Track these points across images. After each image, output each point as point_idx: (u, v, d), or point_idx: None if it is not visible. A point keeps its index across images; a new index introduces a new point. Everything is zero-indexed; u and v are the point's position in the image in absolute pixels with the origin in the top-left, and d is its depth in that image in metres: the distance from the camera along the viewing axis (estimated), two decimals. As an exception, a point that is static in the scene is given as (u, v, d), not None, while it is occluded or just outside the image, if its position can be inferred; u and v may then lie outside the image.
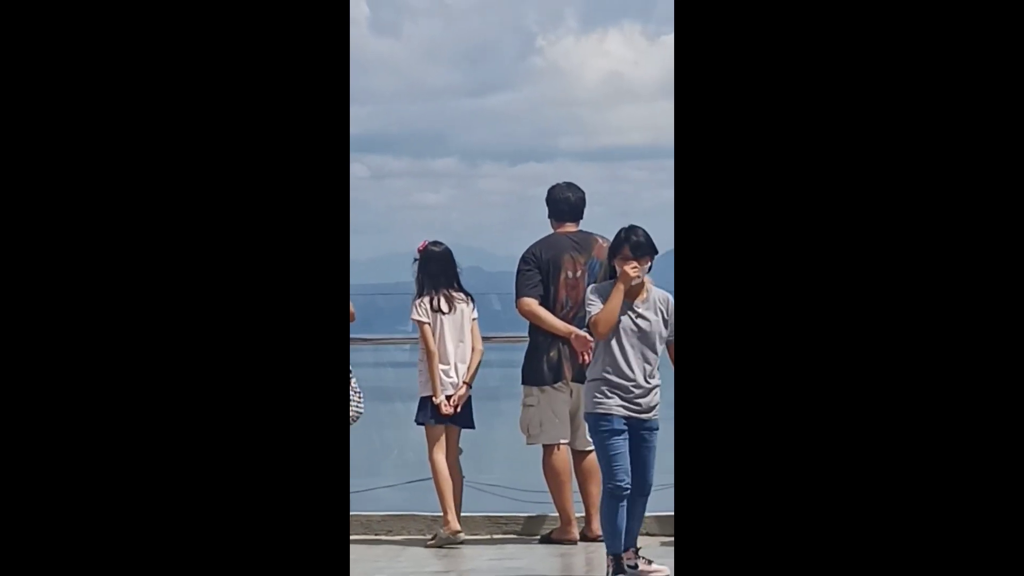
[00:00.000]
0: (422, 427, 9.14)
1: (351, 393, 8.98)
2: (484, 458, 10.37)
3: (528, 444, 8.95)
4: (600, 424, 7.26)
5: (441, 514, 9.09)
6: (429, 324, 9.06)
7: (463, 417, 9.13)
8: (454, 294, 9.14)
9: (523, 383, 8.93)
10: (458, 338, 9.13)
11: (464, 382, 9.13)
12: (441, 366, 9.04)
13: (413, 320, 9.12)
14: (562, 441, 8.81)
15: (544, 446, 8.88)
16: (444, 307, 9.09)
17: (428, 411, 9.07)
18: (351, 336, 9.25)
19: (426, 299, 9.09)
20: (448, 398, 9.04)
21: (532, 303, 8.71)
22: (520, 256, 8.92)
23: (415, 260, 9.21)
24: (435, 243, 9.22)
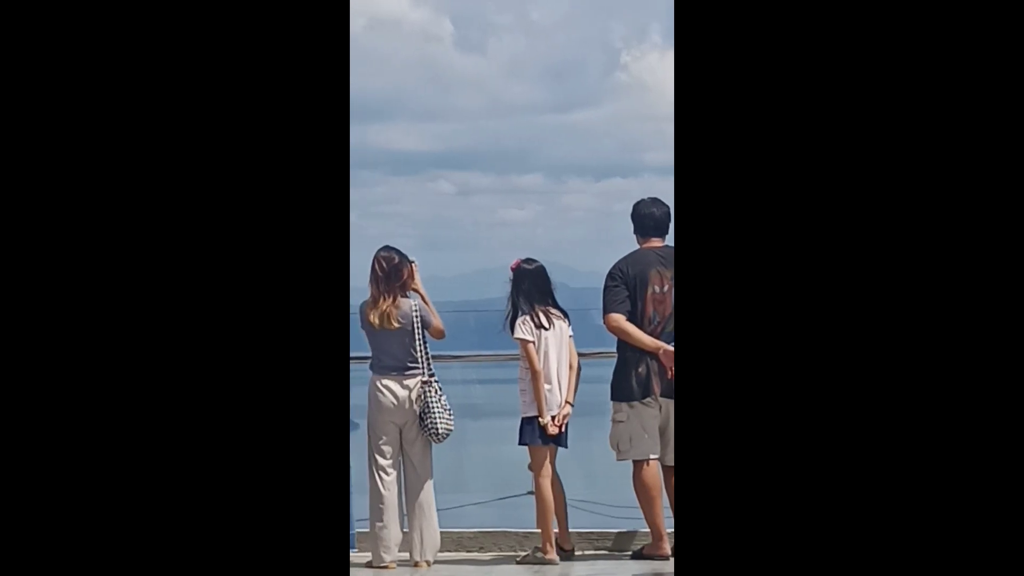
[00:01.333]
0: (523, 447, 9.13)
1: (441, 410, 9.00)
2: (574, 474, 10.36)
3: (618, 460, 8.93)
4: None
5: (536, 531, 9.10)
6: (534, 342, 9.06)
7: (561, 436, 9.12)
8: (551, 311, 9.14)
9: (612, 399, 8.93)
10: (559, 356, 9.14)
11: (567, 401, 9.14)
12: (544, 385, 9.04)
13: (517, 339, 9.07)
14: (652, 456, 8.80)
15: (634, 461, 8.87)
16: (546, 324, 9.08)
17: (535, 432, 9.05)
18: (440, 353, 9.29)
19: (528, 317, 9.09)
20: (552, 418, 9.04)
21: (620, 319, 8.72)
22: (607, 272, 8.92)
23: (509, 279, 9.19)
24: (528, 260, 9.21)
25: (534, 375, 9.00)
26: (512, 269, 9.17)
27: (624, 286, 8.73)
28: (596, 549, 9.25)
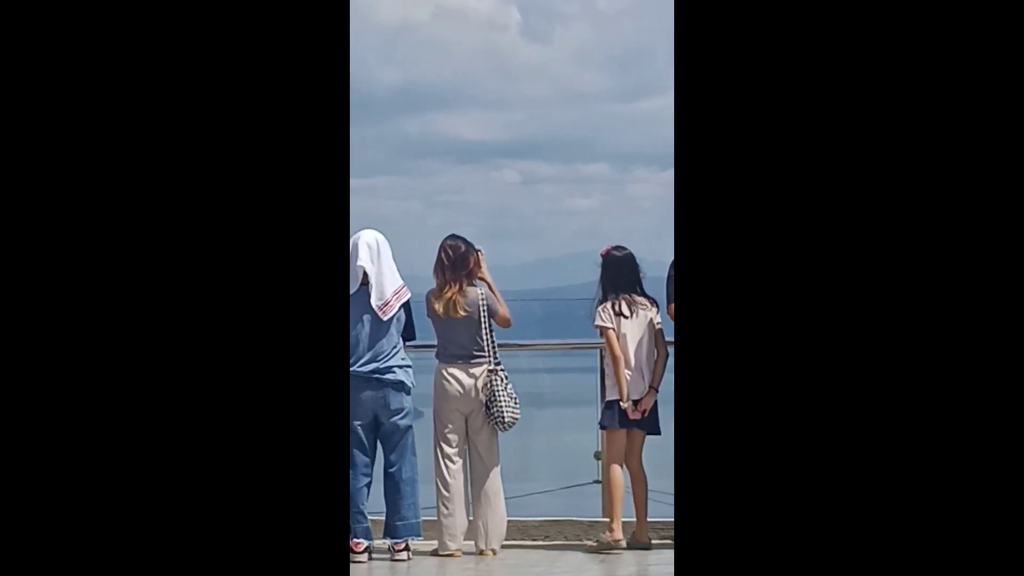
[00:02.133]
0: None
1: (507, 399, 9.01)
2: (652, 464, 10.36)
3: None
4: None
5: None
6: (613, 329, 9.08)
7: (649, 422, 9.13)
8: (637, 299, 9.15)
9: None
10: (640, 343, 9.15)
11: (651, 387, 9.15)
12: (625, 371, 9.06)
13: (596, 326, 9.12)
14: None
15: None
16: (626, 311, 9.10)
17: (614, 415, 9.09)
18: (506, 342, 9.29)
19: (608, 304, 9.11)
20: (636, 403, 9.06)
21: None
22: (671, 262, 8.89)
23: (598, 264, 9.23)
24: (617, 248, 9.24)
25: (614, 360, 9.03)
26: (601, 256, 9.20)
27: None
28: (662, 539, 9.22)
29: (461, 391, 9.03)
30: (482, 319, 9.08)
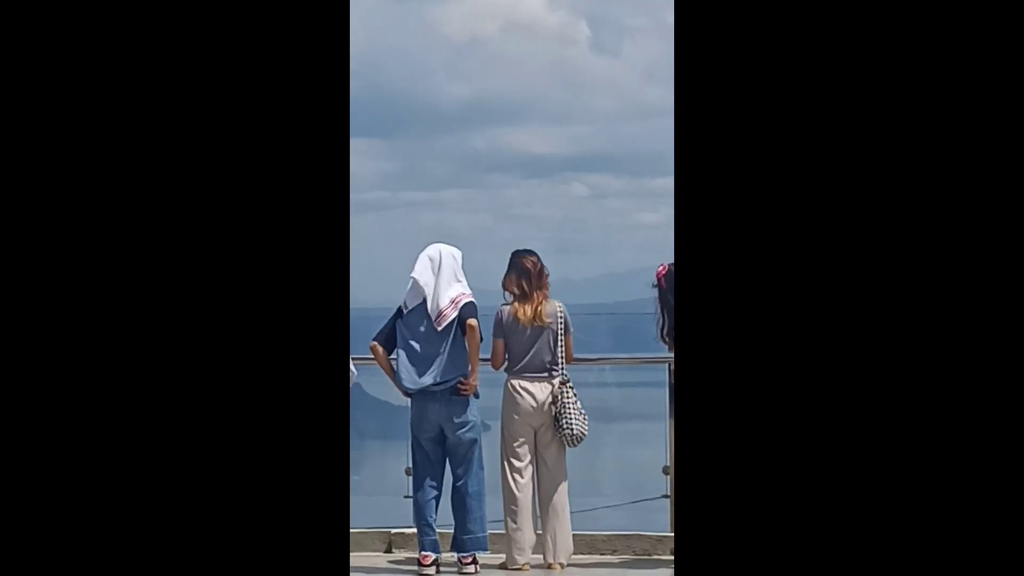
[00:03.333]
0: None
1: (577, 413, 9.00)
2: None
3: None
4: None
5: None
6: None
7: None
8: None
9: None
10: None
11: None
12: None
13: (661, 342, 9.07)
14: None
15: None
16: None
17: None
18: (578, 356, 9.27)
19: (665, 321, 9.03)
20: None
21: None
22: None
23: (654, 285, 9.14)
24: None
25: None
26: (659, 276, 9.09)
27: None
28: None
29: (533, 404, 9.02)
30: (559, 332, 9.08)
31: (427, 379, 8.84)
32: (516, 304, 9.05)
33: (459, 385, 8.87)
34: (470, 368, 8.90)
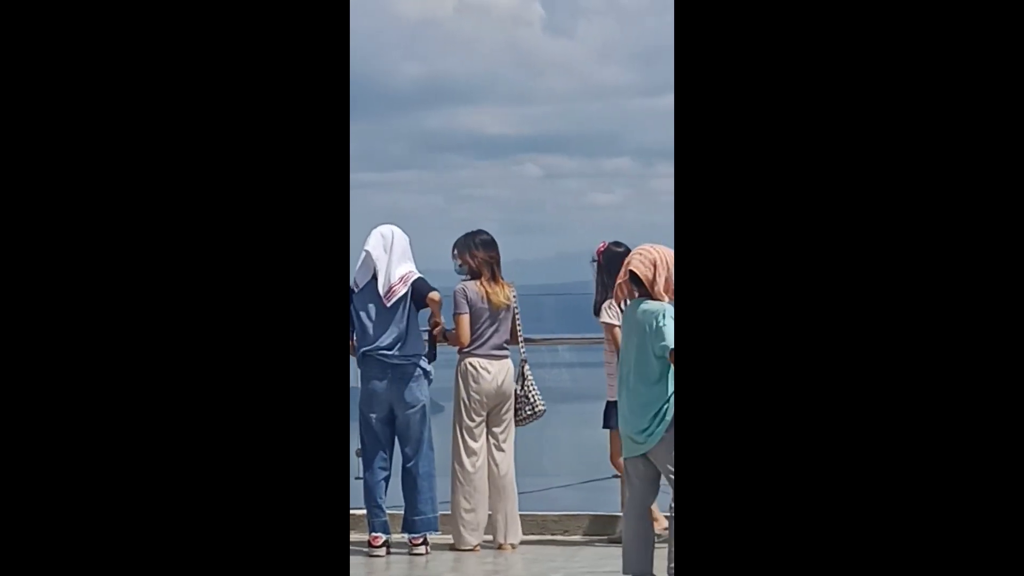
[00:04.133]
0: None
1: (536, 392, 9.01)
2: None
3: None
4: None
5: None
6: (619, 326, 9.01)
7: None
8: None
9: None
10: None
11: None
12: None
13: (603, 323, 9.05)
14: None
15: None
16: None
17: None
18: (526, 337, 9.26)
19: (615, 301, 9.04)
20: None
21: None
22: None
23: (593, 260, 9.16)
24: (616, 243, 9.16)
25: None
26: (598, 253, 9.13)
27: None
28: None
29: (490, 384, 9.00)
30: (516, 313, 9.09)
31: (371, 348, 8.80)
32: (484, 284, 9.03)
33: (432, 332, 8.89)
34: (441, 333, 8.92)
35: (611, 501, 9.42)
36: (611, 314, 8.94)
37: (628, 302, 7.41)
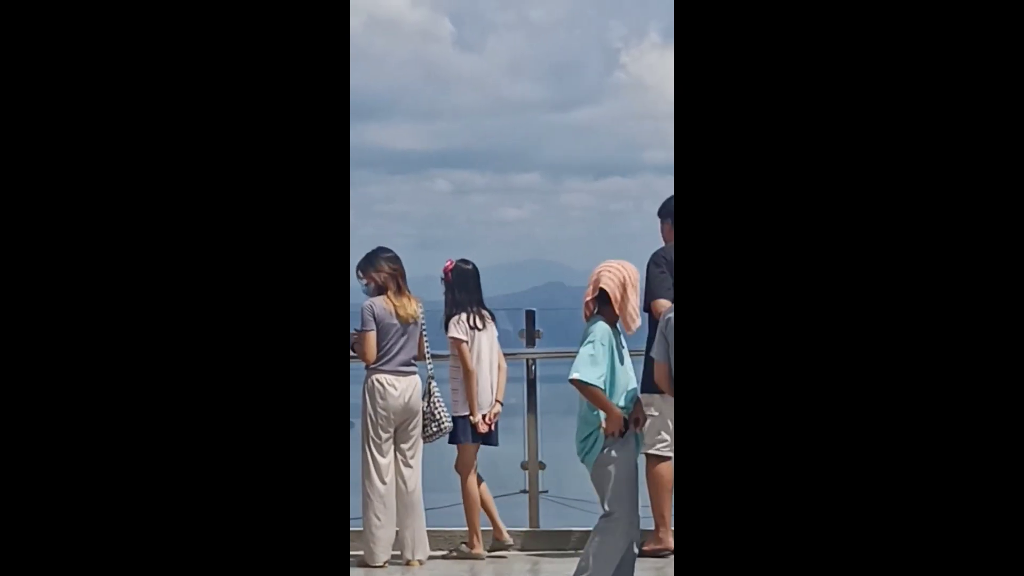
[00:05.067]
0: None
1: (443, 408, 9.05)
2: (568, 473, 10.34)
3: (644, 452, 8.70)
4: None
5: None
6: (467, 342, 9.06)
7: (493, 435, 9.20)
8: (484, 312, 9.17)
9: (643, 391, 8.59)
10: (490, 356, 9.16)
11: (497, 400, 9.17)
12: (475, 385, 9.08)
13: (451, 338, 9.12)
14: (670, 454, 8.70)
15: (650, 455, 8.77)
16: (479, 324, 9.13)
17: (467, 430, 9.10)
18: (432, 352, 9.28)
19: (463, 316, 9.09)
20: (483, 416, 9.07)
21: (669, 305, 8.23)
22: (651, 260, 8.77)
23: (442, 279, 9.25)
24: (464, 261, 9.27)
25: (467, 375, 9.04)
26: (447, 271, 9.21)
27: (669, 273, 8.51)
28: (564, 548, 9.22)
29: (397, 400, 9.01)
30: (423, 329, 9.14)
31: None
32: (391, 299, 9.05)
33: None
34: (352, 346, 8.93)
35: (519, 516, 9.44)
36: (459, 330, 9.03)
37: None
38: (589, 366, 6.87)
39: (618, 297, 7.00)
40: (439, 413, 9.08)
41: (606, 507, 6.98)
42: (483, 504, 9.19)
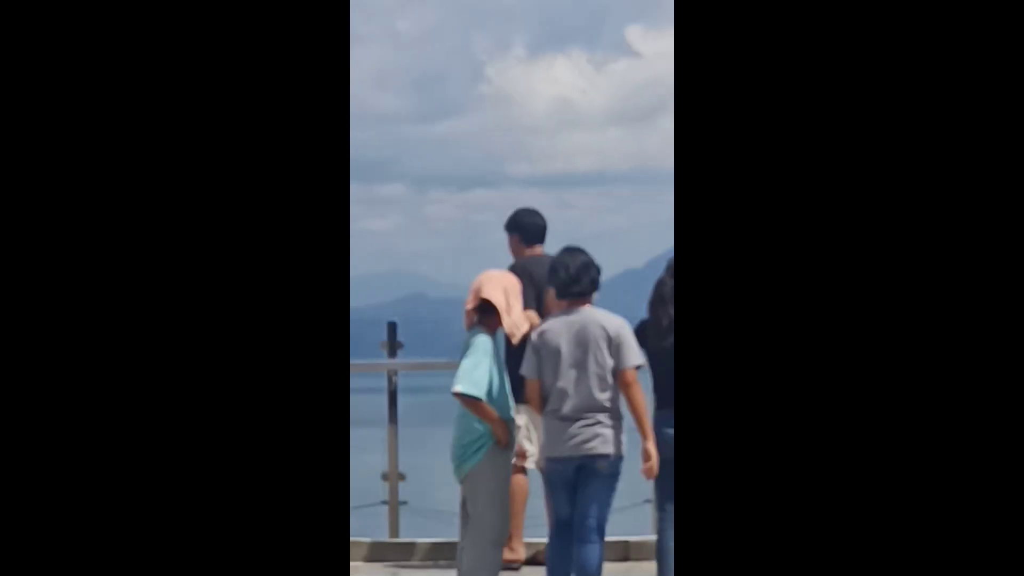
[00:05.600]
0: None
1: None
2: (428, 484, 10.38)
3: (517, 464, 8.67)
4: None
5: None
6: None
7: None
8: None
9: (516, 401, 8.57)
10: None
11: None
12: None
13: None
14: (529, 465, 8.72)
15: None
16: None
17: None
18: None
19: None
20: None
21: (535, 317, 8.21)
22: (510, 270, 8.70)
23: None
24: None
25: None
26: None
27: (532, 286, 8.44)
28: (448, 559, 9.25)
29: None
30: None
31: None
32: None
33: None
34: None
35: (379, 527, 9.46)
36: None
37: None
38: (471, 378, 6.91)
39: (503, 304, 7.07)
40: None
41: (479, 512, 7.01)
42: None
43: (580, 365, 6.94)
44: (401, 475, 9.76)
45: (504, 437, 6.95)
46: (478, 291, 7.13)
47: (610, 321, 7.00)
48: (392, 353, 9.83)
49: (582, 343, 6.96)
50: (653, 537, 7.76)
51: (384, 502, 9.67)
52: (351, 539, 9.44)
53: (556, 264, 7.15)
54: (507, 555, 8.83)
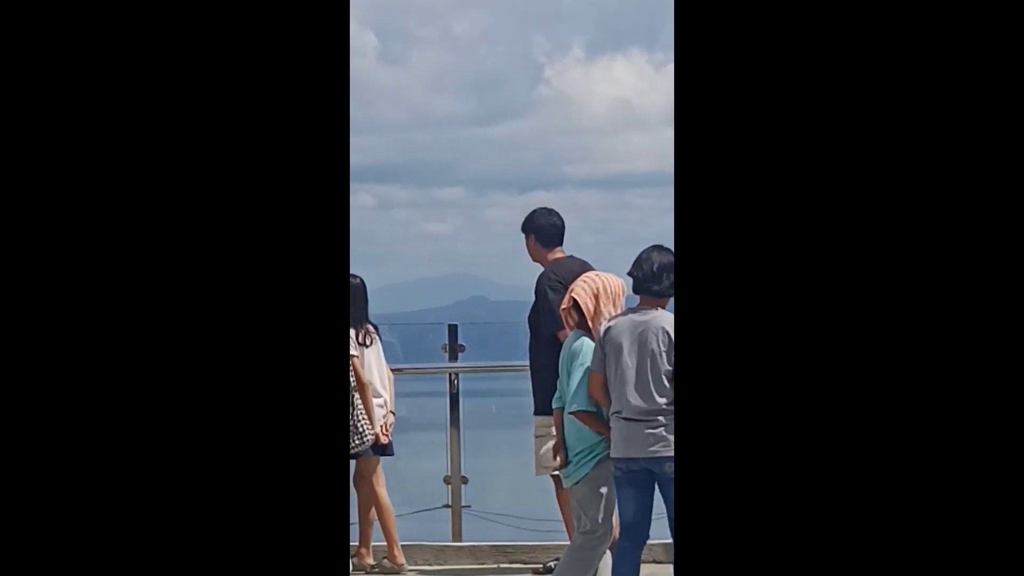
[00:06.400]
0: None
1: (362, 420, 9.02)
2: (490, 487, 10.38)
3: (538, 475, 8.56)
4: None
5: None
6: (359, 357, 9.05)
7: (389, 446, 9.19)
8: (369, 327, 9.18)
9: (536, 413, 8.44)
10: (379, 370, 9.18)
11: (391, 411, 9.19)
12: (373, 398, 9.09)
13: None
14: None
15: (556, 477, 8.77)
16: (367, 340, 9.11)
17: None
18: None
19: (351, 332, 9.01)
20: (381, 427, 9.09)
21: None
22: (540, 281, 8.51)
23: None
24: (352, 275, 9.13)
25: (362, 388, 9.00)
26: None
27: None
28: (512, 562, 9.25)
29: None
30: None
31: None
32: None
33: None
34: None
35: (443, 531, 9.46)
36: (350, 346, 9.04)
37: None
38: (583, 393, 6.94)
39: (590, 308, 7.04)
40: (361, 425, 9.02)
41: (588, 524, 7.02)
42: (383, 522, 9.13)
43: (640, 367, 6.92)
44: (464, 479, 9.76)
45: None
46: (571, 291, 7.11)
47: (673, 325, 6.95)
48: (453, 356, 9.83)
49: (642, 345, 6.94)
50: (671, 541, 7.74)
51: (446, 506, 9.67)
52: (414, 543, 9.47)
53: (641, 258, 7.09)
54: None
